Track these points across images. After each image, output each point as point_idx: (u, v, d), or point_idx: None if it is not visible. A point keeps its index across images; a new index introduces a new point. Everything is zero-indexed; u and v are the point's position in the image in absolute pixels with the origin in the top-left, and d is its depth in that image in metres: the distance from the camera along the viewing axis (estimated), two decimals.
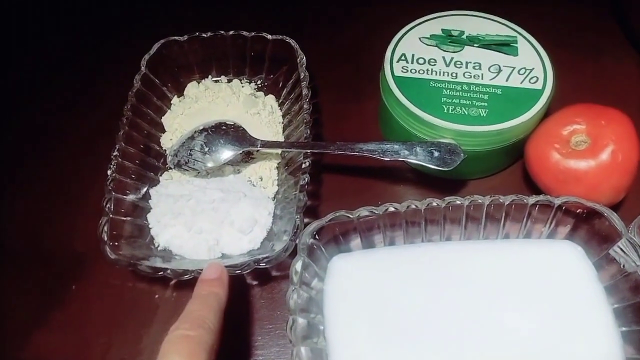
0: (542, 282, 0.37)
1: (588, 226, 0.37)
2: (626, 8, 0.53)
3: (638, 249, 0.34)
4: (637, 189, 0.42)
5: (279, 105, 0.47)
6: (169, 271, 0.36)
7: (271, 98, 0.47)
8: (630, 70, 0.51)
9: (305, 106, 0.42)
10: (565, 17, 0.55)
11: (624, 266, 0.35)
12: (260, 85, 0.49)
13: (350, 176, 0.45)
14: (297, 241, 0.36)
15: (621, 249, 0.35)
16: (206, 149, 0.41)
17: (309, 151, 0.40)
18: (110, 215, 0.38)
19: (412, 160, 0.39)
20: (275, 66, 0.48)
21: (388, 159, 0.39)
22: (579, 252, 0.38)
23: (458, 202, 0.37)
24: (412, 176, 0.45)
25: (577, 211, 0.37)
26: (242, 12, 0.56)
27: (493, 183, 0.44)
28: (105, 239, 0.37)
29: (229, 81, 0.48)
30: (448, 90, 0.40)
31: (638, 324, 0.34)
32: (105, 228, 0.37)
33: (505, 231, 0.39)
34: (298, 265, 0.35)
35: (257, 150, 0.44)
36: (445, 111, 0.39)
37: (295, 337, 0.32)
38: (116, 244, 0.38)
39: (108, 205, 0.38)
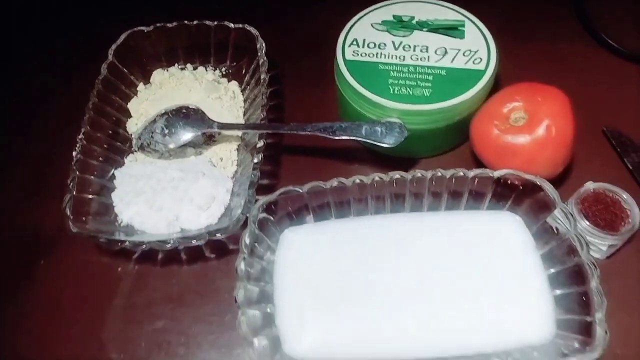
0: (482, 250, 0.39)
1: (527, 197, 0.39)
2: None
3: (570, 216, 0.36)
4: (580, 164, 0.45)
5: (241, 91, 0.49)
6: (127, 243, 0.38)
7: (234, 84, 0.49)
8: (585, 55, 0.53)
9: (262, 89, 0.45)
10: (525, 4, 0.57)
11: (558, 233, 0.37)
12: (224, 72, 0.51)
13: (308, 157, 0.47)
14: (247, 214, 0.38)
15: (557, 218, 0.37)
16: (166, 131, 0.43)
17: (263, 132, 0.42)
18: (74, 193, 0.40)
19: (359, 138, 0.41)
20: (239, 54, 0.50)
21: (337, 138, 0.41)
22: (518, 222, 0.39)
23: (402, 177, 0.39)
24: (368, 156, 0.47)
25: (516, 183, 0.39)
26: (210, 2, 0.59)
27: (443, 161, 0.46)
28: (69, 213, 0.39)
29: (195, 69, 0.51)
30: (395, 72, 0.42)
31: (569, 286, 0.36)
32: (69, 204, 0.39)
33: (449, 204, 0.41)
34: (246, 235, 0.37)
35: (219, 133, 0.46)
36: (391, 92, 0.41)
37: (240, 301, 0.34)
38: (83, 219, 0.40)
39: (72, 184, 0.40)
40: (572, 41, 0.54)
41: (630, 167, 0.44)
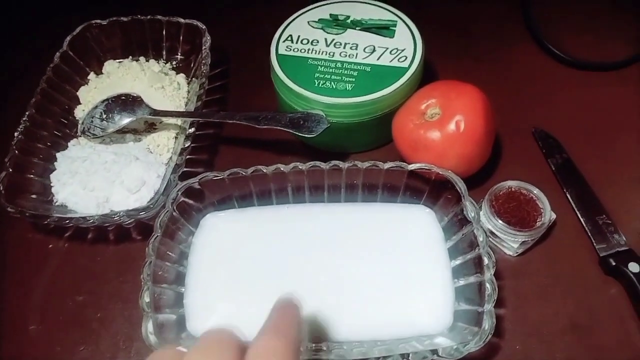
0: (393, 242, 0.40)
1: (440, 191, 0.40)
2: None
3: (475, 209, 0.37)
4: (507, 164, 0.45)
5: (187, 83, 0.51)
6: (54, 218, 0.40)
7: (181, 76, 0.52)
8: (526, 58, 0.53)
9: (202, 80, 0.46)
10: (472, 5, 0.59)
11: (465, 227, 0.38)
12: (175, 65, 0.53)
13: (244, 148, 0.49)
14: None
15: (466, 211, 0.38)
16: (104, 116, 0.46)
17: (194, 119, 0.44)
18: (10, 171, 0.42)
19: (281, 127, 0.42)
20: (190, 49, 0.53)
21: (262, 127, 0.42)
22: (430, 215, 0.40)
23: (320, 167, 0.40)
24: (303, 150, 0.48)
25: (431, 178, 0.40)
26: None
27: (375, 156, 0.47)
28: (1, 189, 0.41)
29: (147, 61, 0.53)
30: (322, 67, 0.44)
31: (469, 277, 0.36)
32: (3, 182, 0.41)
33: (365, 196, 0.42)
34: (162, 216, 0.38)
35: (160, 121, 0.48)
36: (316, 85, 0.43)
37: (144, 278, 0.36)
38: (22, 197, 0.43)
39: (9, 163, 0.43)
40: (515, 44, 0.54)
41: (553, 169, 0.44)
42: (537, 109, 0.49)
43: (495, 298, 0.33)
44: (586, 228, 0.41)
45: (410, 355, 0.33)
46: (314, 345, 0.36)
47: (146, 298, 0.35)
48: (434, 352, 0.33)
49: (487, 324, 0.33)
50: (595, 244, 0.40)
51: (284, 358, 0.23)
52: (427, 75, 0.46)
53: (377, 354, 0.33)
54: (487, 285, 0.34)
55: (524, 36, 0.55)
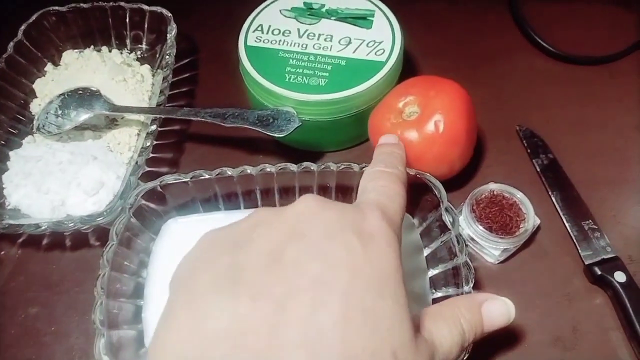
0: None
1: (418, 195, 0.37)
2: None
3: (454, 215, 0.35)
4: (490, 164, 0.43)
5: (152, 75, 0.48)
6: (4, 225, 0.37)
7: (146, 68, 0.48)
8: (513, 53, 0.51)
9: (167, 73, 0.43)
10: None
11: (443, 234, 0.36)
12: (140, 56, 0.50)
13: (212, 146, 0.46)
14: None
15: (444, 217, 0.35)
16: (59, 112, 0.42)
17: (156, 116, 0.41)
18: None
19: (249, 126, 0.39)
20: (155, 38, 0.49)
21: (228, 125, 0.40)
22: (407, 220, 0.38)
23: (290, 169, 0.38)
24: (274, 148, 0.45)
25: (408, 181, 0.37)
26: None
27: (351, 156, 0.44)
28: None
29: (110, 51, 0.49)
30: (294, 61, 0.41)
31: (449, 287, 0.34)
32: None
33: (338, 198, 0.39)
34: (118, 224, 0.35)
35: (122, 117, 0.45)
36: (287, 80, 0.40)
37: (98, 292, 0.33)
38: None
39: None
40: (501, 37, 0.52)
41: (538, 169, 0.42)
42: (522, 106, 0.46)
43: None
44: (571, 234, 0.39)
45: None
46: None
47: (99, 314, 0.32)
48: None
49: None
50: (580, 251, 0.38)
51: (394, 180, 0.29)
52: (406, 70, 0.43)
53: None
54: None
55: (510, 29, 0.52)
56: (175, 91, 0.48)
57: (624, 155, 0.43)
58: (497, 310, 0.28)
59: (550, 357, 0.35)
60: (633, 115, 0.45)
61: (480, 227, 0.37)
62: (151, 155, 0.42)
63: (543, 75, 0.48)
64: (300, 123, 0.38)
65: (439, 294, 0.35)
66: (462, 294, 0.32)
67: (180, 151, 0.45)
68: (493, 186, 0.38)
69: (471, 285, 0.32)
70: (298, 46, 0.41)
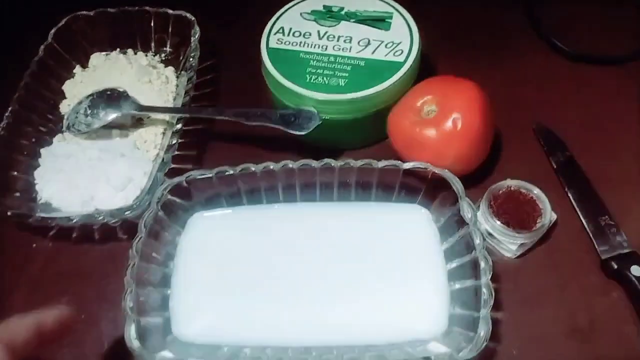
0: (387, 243, 0.38)
1: (437, 191, 0.38)
2: None
3: (472, 210, 0.35)
4: (507, 162, 0.44)
5: (176, 77, 0.50)
6: (37, 218, 0.39)
7: (170, 70, 0.50)
8: (527, 52, 0.51)
9: (191, 75, 0.45)
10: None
11: (462, 228, 0.36)
12: (164, 58, 0.52)
13: (235, 145, 0.47)
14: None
15: (463, 212, 0.36)
16: (89, 112, 0.44)
17: (182, 115, 0.42)
18: None
19: (272, 124, 0.40)
20: (179, 41, 0.51)
21: (252, 124, 0.41)
22: (425, 215, 0.39)
23: (311, 166, 0.39)
24: (296, 146, 0.46)
25: (427, 177, 0.38)
26: None
27: (368, 153, 0.45)
28: None
29: (135, 54, 0.51)
30: (315, 62, 0.42)
31: (466, 280, 0.35)
32: None
33: (359, 195, 0.40)
34: (147, 217, 0.37)
35: (148, 117, 0.47)
36: (308, 80, 0.41)
37: (128, 280, 0.34)
38: (5, 195, 0.41)
39: None
40: (517, 37, 0.53)
41: (555, 167, 0.43)
42: (538, 105, 0.47)
43: (492, 303, 0.32)
44: (588, 229, 0.39)
45: None
46: (303, 349, 0.35)
47: (129, 302, 0.34)
48: (427, 358, 0.31)
49: (483, 330, 0.31)
50: (597, 246, 0.38)
51: None
52: (424, 70, 0.44)
53: (368, 359, 0.32)
54: (484, 290, 0.33)
55: (526, 30, 0.53)
56: (198, 92, 0.49)
57: None
58: None
59: (566, 349, 0.36)
60: None
61: (498, 222, 0.38)
62: (176, 153, 0.43)
63: (559, 76, 0.49)
64: (321, 121, 0.40)
65: (457, 286, 0.36)
66: (480, 286, 0.33)
67: (204, 150, 0.47)
68: (510, 182, 0.39)
69: (489, 276, 0.33)
70: (318, 48, 0.43)
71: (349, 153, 0.45)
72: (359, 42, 0.43)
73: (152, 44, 0.52)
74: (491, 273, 0.33)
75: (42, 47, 0.48)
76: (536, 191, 0.38)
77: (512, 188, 0.39)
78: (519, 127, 0.46)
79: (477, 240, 0.34)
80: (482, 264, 0.33)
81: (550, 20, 0.52)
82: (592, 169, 0.42)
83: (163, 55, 0.52)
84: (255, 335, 0.36)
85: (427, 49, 0.44)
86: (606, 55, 0.49)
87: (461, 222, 0.36)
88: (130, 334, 0.32)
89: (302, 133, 0.40)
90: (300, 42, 0.43)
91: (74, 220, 0.38)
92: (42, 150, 0.45)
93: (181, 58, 0.50)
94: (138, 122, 0.46)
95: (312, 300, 0.36)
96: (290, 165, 0.39)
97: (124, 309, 0.33)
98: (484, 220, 0.39)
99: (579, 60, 0.50)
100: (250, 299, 0.37)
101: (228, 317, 0.36)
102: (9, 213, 0.39)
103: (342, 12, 0.45)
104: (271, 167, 0.39)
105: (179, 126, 0.42)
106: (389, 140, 0.42)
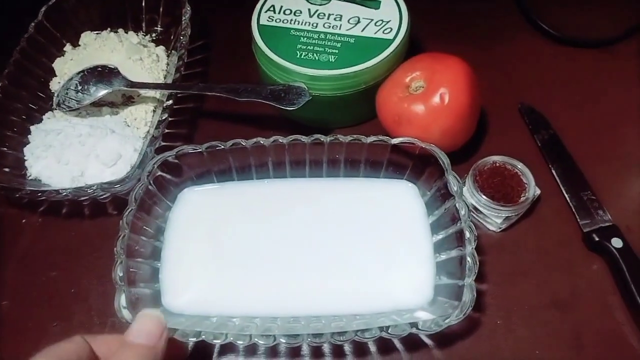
0: (374, 217, 0.39)
1: (424, 166, 0.39)
2: None
3: (458, 182, 0.36)
4: (493, 139, 0.45)
5: (167, 56, 0.50)
6: (26, 191, 0.39)
7: (161, 49, 0.50)
8: (514, 33, 0.52)
9: (182, 52, 0.45)
10: None
11: (447, 200, 0.37)
12: (155, 38, 0.52)
13: (226, 123, 0.47)
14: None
15: (449, 185, 0.37)
16: (79, 88, 0.44)
17: (172, 91, 0.43)
18: None
19: (262, 100, 0.41)
20: (170, 21, 0.51)
21: (242, 100, 0.41)
22: (412, 190, 0.40)
23: (301, 141, 0.39)
24: (286, 125, 0.47)
25: (415, 152, 0.39)
26: None
27: (360, 131, 0.45)
28: None
29: (126, 33, 0.51)
30: (305, 39, 0.42)
31: (451, 250, 0.36)
32: None
33: (348, 170, 0.41)
34: (138, 189, 0.37)
35: (138, 95, 0.47)
36: (298, 57, 0.41)
37: (117, 251, 0.34)
38: None
39: None
40: (504, 18, 0.53)
41: (539, 144, 0.43)
42: (524, 85, 0.48)
43: (476, 271, 0.33)
44: (570, 204, 0.40)
45: (390, 328, 0.32)
46: (291, 319, 0.35)
47: (119, 272, 0.34)
48: (414, 325, 0.32)
49: (467, 296, 0.32)
50: (579, 220, 0.39)
51: None
52: (413, 49, 0.45)
53: (356, 327, 0.33)
54: (468, 258, 0.34)
55: (513, 11, 0.54)
56: (188, 71, 0.50)
57: (623, 132, 0.45)
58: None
59: (549, 319, 0.36)
60: (632, 94, 0.47)
61: (483, 197, 0.38)
62: (167, 131, 0.44)
63: (545, 57, 0.50)
64: (310, 97, 0.40)
65: (443, 257, 0.37)
66: (464, 255, 0.34)
67: (195, 127, 0.47)
68: (495, 158, 0.40)
69: (474, 245, 0.34)
70: (309, 25, 0.43)
71: (339, 131, 0.46)
72: (348, 20, 0.43)
73: (143, 24, 0.52)
74: (475, 243, 0.34)
75: (32, 24, 0.48)
76: (520, 166, 0.39)
77: (497, 163, 0.40)
78: (504, 107, 0.46)
79: (462, 212, 0.35)
80: (467, 234, 0.34)
81: (538, 3, 0.53)
82: (575, 147, 0.43)
83: (154, 34, 0.52)
84: (244, 307, 0.36)
85: (415, 29, 0.45)
86: (591, 38, 0.50)
87: (447, 196, 0.37)
88: (120, 303, 0.33)
89: (292, 108, 0.40)
90: (291, 20, 0.44)
91: (64, 193, 0.38)
92: (32, 127, 0.45)
93: (172, 37, 0.51)
94: (128, 100, 0.47)
95: (301, 273, 0.37)
96: (281, 141, 0.39)
97: (114, 279, 0.33)
98: (469, 195, 0.39)
99: (565, 43, 0.51)
100: (239, 272, 0.37)
101: (217, 289, 0.37)
102: None
103: None
104: (261, 142, 0.39)
105: (169, 102, 0.42)
106: (378, 119, 0.42)
